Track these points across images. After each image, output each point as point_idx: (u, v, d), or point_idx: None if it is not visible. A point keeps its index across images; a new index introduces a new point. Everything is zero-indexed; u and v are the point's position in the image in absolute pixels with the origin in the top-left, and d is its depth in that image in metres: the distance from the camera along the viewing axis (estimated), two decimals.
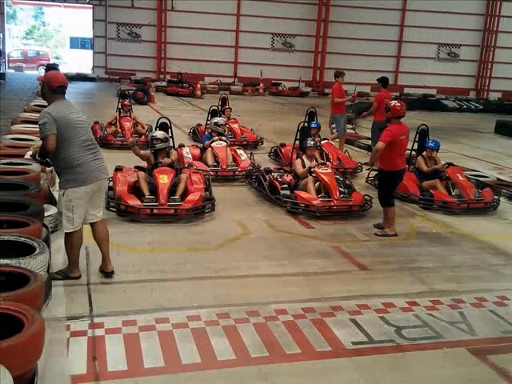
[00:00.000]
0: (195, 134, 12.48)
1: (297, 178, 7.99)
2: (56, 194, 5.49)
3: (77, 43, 44.13)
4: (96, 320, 4.16)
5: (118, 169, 7.63)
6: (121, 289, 4.77)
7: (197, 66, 28.82)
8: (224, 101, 13.60)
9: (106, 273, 4.94)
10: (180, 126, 13.83)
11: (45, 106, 4.80)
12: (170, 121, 8.37)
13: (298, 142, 8.82)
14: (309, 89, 28.71)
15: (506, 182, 9.67)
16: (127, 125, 11.54)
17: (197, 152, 9.80)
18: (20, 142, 8.29)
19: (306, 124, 9.19)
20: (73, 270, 4.84)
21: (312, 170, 7.74)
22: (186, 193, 7.09)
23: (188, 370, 3.60)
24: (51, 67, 18.71)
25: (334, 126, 11.62)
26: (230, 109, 12.98)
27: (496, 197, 8.24)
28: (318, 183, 7.60)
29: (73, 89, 20.75)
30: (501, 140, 16.45)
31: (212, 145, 9.52)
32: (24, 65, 33.53)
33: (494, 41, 31.14)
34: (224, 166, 9.08)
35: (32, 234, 4.35)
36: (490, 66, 31.54)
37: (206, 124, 10.99)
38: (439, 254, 6.15)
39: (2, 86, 21.02)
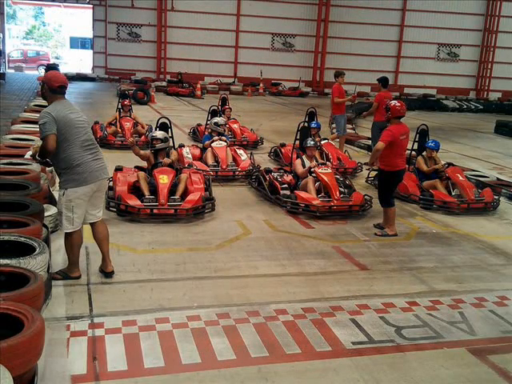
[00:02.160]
0: (195, 134, 12.48)
1: (297, 178, 7.99)
2: (56, 194, 5.49)
3: (77, 43, 44.20)
4: (96, 320, 4.16)
5: (118, 169, 7.64)
6: (121, 289, 4.77)
7: (197, 66, 28.85)
8: (224, 101, 13.60)
9: (106, 273, 4.94)
10: (180, 126, 13.84)
11: (45, 106, 4.80)
12: (170, 121, 8.37)
13: (297, 142, 8.82)
14: (309, 89, 28.68)
15: (506, 181, 9.68)
16: (127, 125, 11.55)
17: (197, 152, 9.81)
18: (20, 142, 8.29)
19: (306, 124, 9.18)
20: (73, 269, 4.84)
21: (312, 169, 7.74)
22: (186, 193, 7.10)
23: (188, 370, 3.60)
24: (51, 67, 18.73)
25: (334, 126, 11.63)
26: (230, 109, 12.97)
27: (496, 197, 8.24)
28: (318, 183, 7.60)
29: (73, 89, 20.79)
30: (501, 140, 16.45)
31: (212, 145, 9.52)
32: (24, 65, 33.52)
33: (493, 41, 31.16)
34: (224, 166, 9.08)
35: (32, 234, 4.35)
36: (490, 66, 31.56)
37: (206, 124, 11.00)
38: (439, 254, 6.15)
39: (2, 86, 21.01)
